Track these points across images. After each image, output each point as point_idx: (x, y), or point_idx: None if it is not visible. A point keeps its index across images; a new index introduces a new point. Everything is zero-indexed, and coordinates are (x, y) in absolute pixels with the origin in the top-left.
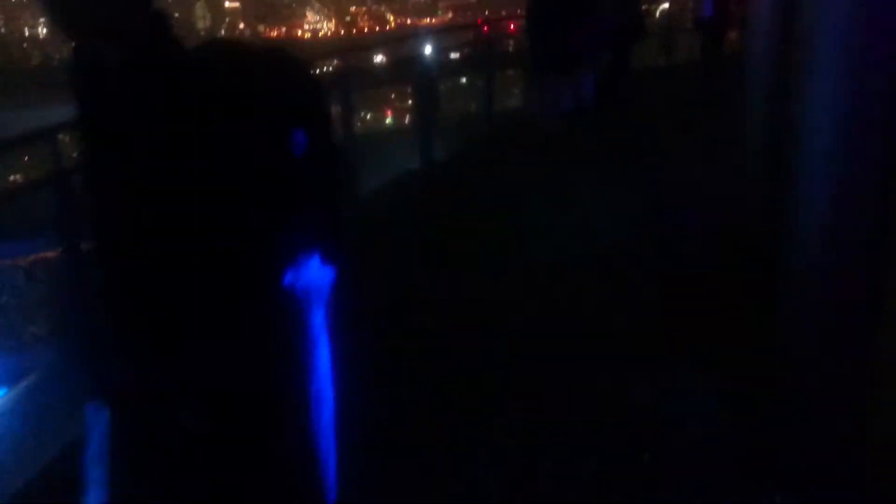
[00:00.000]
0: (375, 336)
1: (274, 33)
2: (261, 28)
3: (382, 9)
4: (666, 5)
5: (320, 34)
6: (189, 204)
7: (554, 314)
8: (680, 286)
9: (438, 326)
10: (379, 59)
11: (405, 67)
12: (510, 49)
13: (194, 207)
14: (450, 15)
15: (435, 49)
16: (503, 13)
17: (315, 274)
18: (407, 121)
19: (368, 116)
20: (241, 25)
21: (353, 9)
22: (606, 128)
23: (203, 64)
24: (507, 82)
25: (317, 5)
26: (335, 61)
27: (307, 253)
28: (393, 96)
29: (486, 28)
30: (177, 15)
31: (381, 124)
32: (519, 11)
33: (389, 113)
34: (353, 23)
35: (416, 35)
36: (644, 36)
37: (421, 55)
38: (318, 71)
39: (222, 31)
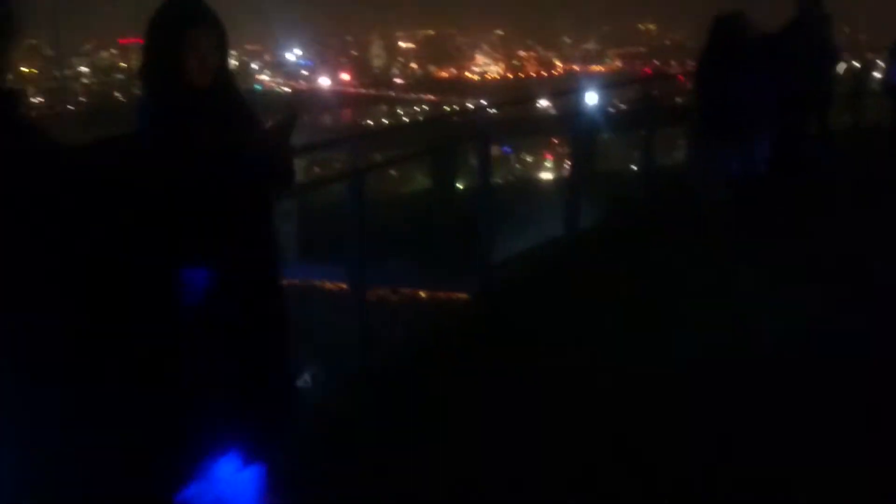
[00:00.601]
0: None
1: (444, 74)
2: (432, 68)
3: (550, 54)
4: (843, 65)
5: (488, 76)
6: None
7: (703, 447)
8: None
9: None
10: (543, 103)
11: (564, 118)
12: (677, 103)
13: None
14: (618, 63)
15: (597, 99)
16: (672, 63)
17: None
18: (565, 165)
19: (529, 159)
20: (414, 65)
21: (521, 53)
22: (781, 200)
23: None
24: (671, 140)
25: (486, 49)
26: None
27: None
28: (555, 140)
29: (652, 79)
30: (355, 54)
31: (540, 166)
32: (690, 64)
33: (550, 157)
34: (521, 67)
35: (580, 82)
36: (831, 102)
37: (581, 105)
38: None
39: (395, 70)
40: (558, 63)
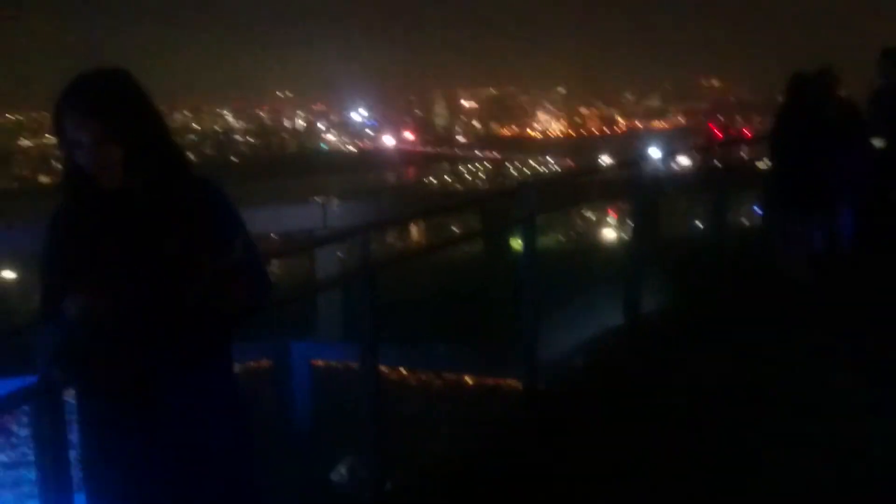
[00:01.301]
0: None
1: (506, 132)
2: (494, 126)
3: (613, 111)
4: None
5: (550, 133)
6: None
7: None
8: None
9: None
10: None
11: (625, 182)
12: (746, 165)
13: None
14: (681, 119)
15: (659, 157)
16: (738, 119)
17: None
18: (628, 223)
19: (591, 216)
20: (477, 124)
21: (583, 110)
22: (870, 282)
23: None
24: (743, 203)
25: (548, 106)
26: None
27: None
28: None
29: (719, 135)
30: (418, 113)
31: (603, 222)
32: (759, 121)
33: (614, 214)
34: (583, 124)
35: (642, 139)
36: None
37: (643, 165)
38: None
39: (457, 128)
40: (620, 119)
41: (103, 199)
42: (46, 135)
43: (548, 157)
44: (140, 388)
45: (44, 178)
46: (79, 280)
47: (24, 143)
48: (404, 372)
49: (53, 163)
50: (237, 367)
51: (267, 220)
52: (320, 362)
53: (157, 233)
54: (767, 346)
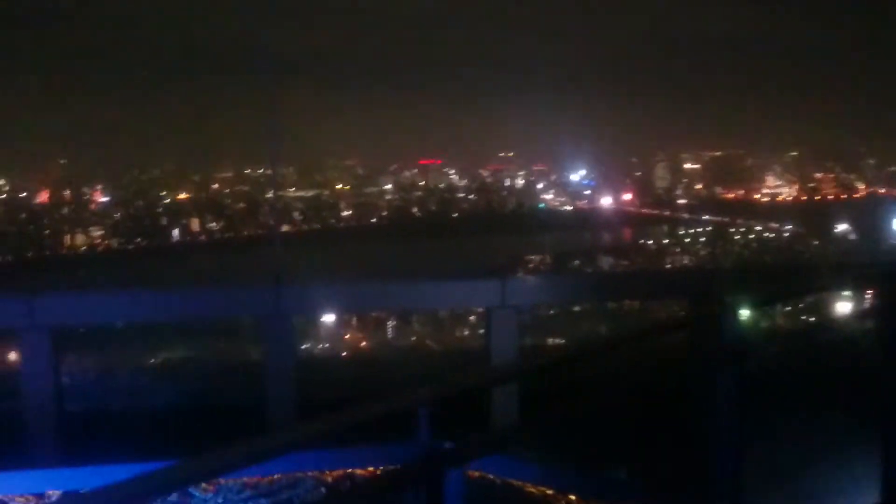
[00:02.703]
0: None
1: (731, 195)
2: (717, 189)
3: (851, 177)
4: None
5: (779, 198)
6: None
7: None
8: None
9: None
10: (841, 227)
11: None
12: None
13: None
14: None
15: None
16: None
17: None
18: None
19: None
20: (699, 186)
21: (817, 175)
22: None
23: None
24: None
25: (778, 170)
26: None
27: None
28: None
29: None
30: (639, 174)
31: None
32: None
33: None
34: (817, 189)
35: (884, 205)
36: None
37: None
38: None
39: (679, 191)
40: (860, 185)
41: None
42: (292, 188)
43: (772, 224)
44: None
45: (286, 227)
46: None
47: (270, 195)
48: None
49: (295, 214)
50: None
51: (434, 296)
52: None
53: None
54: None
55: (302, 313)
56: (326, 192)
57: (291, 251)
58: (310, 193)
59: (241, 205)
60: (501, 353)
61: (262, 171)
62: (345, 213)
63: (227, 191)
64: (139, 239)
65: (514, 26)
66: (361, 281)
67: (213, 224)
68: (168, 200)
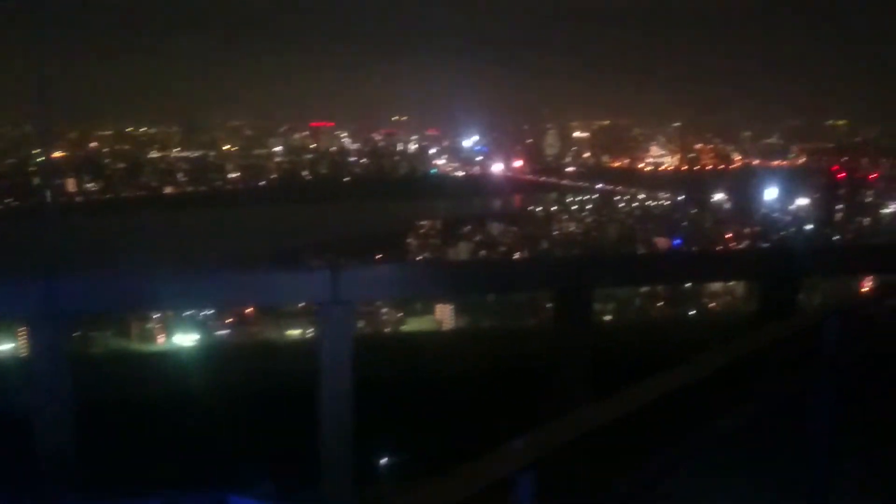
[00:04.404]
0: None
1: (617, 164)
2: (605, 158)
3: (729, 148)
4: None
5: (662, 167)
6: None
7: None
8: None
9: None
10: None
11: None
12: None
13: None
14: (802, 159)
15: (777, 195)
16: (864, 161)
17: None
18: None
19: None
20: (587, 154)
21: (698, 146)
22: None
23: None
24: None
25: (662, 140)
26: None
27: None
28: (729, 235)
29: (841, 177)
30: (529, 141)
31: None
32: (887, 164)
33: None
34: (697, 159)
35: (757, 177)
36: None
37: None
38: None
39: (568, 159)
40: (737, 157)
41: None
42: (176, 149)
43: (660, 193)
44: None
45: (168, 189)
46: None
47: (153, 154)
48: None
49: (179, 176)
50: None
51: (263, 289)
52: None
53: None
54: None
55: (74, 313)
56: (213, 154)
57: (155, 217)
58: (195, 154)
59: (121, 165)
60: (333, 356)
61: (144, 129)
62: (232, 175)
63: (107, 150)
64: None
65: None
66: (139, 273)
67: (91, 185)
68: (42, 159)
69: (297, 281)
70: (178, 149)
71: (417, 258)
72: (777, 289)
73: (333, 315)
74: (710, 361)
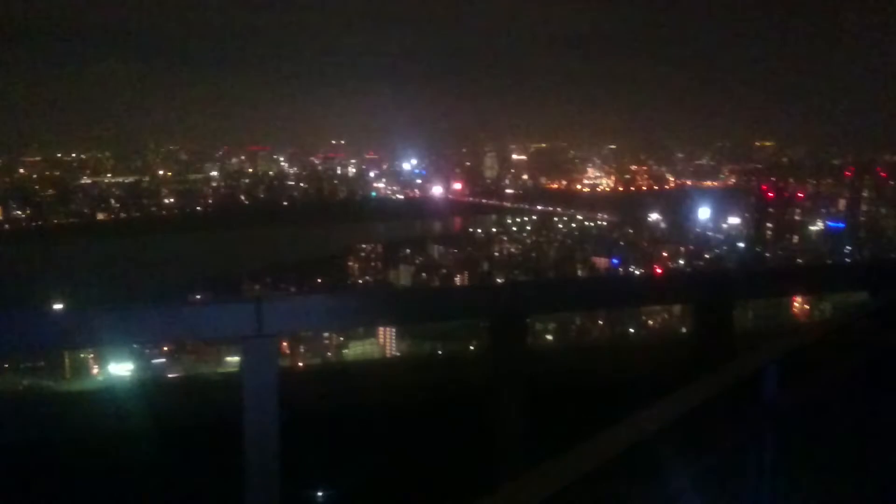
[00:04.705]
0: None
1: (555, 185)
2: (543, 180)
3: (663, 169)
4: None
5: (598, 189)
6: None
7: None
8: None
9: None
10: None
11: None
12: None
13: None
14: (732, 180)
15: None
16: (791, 181)
17: None
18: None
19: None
20: (525, 176)
21: (633, 167)
22: None
23: None
24: None
25: (598, 162)
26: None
27: None
28: (665, 254)
29: (770, 196)
30: (468, 164)
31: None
32: (814, 183)
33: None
34: (632, 181)
35: (691, 197)
36: None
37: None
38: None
39: (507, 181)
40: (670, 178)
41: None
42: (108, 175)
43: (599, 214)
44: None
45: (101, 216)
46: None
47: (85, 181)
48: None
49: (112, 202)
50: None
51: (185, 324)
52: None
53: None
54: None
55: None
56: (147, 179)
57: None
58: (129, 180)
59: (51, 191)
60: (258, 392)
61: (74, 155)
62: (168, 201)
63: (35, 176)
64: None
65: (348, 14)
66: (52, 312)
67: (19, 212)
68: None
69: (220, 313)
70: (111, 175)
71: (358, 282)
72: (712, 311)
73: (257, 349)
74: (657, 416)
